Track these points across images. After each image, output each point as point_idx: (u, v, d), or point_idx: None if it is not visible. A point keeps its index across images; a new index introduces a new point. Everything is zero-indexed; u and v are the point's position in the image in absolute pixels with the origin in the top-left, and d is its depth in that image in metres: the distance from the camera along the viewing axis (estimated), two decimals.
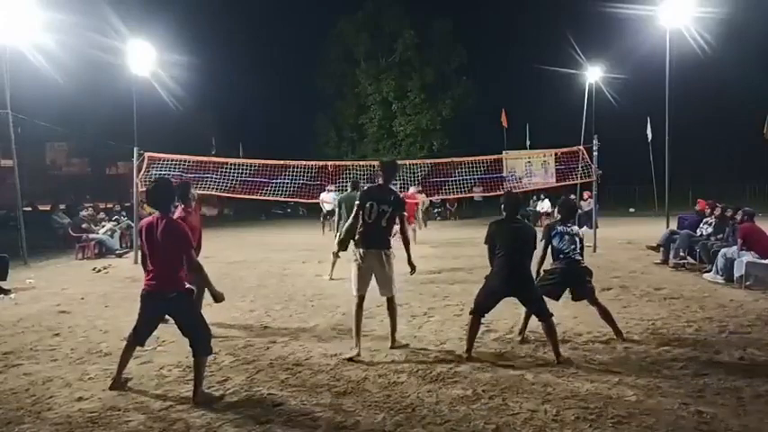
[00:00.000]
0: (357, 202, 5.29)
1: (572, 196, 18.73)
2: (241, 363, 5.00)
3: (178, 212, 5.77)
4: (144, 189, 4.15)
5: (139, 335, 4.37)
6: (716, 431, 3.59)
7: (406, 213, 5.51)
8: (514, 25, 38.36)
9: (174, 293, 4.17)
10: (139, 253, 4.45)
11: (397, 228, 5.38)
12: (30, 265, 11.11)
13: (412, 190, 16.04)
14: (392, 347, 5.30)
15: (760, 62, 30.14)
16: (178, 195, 5.93)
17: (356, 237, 5.24)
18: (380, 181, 5.39)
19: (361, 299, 5.21)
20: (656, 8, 13.90)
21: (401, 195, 5.61)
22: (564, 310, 6.72)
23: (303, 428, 3.71)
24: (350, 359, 4.97)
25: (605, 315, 5.65)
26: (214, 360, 5.06)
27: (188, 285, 4.32)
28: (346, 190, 10.43)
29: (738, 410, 3.86)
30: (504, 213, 5.21)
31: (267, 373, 4.74)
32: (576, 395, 4.14)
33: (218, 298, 4.43)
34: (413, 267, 5.36)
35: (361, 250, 5.18)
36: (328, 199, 17.07)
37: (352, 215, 5.33)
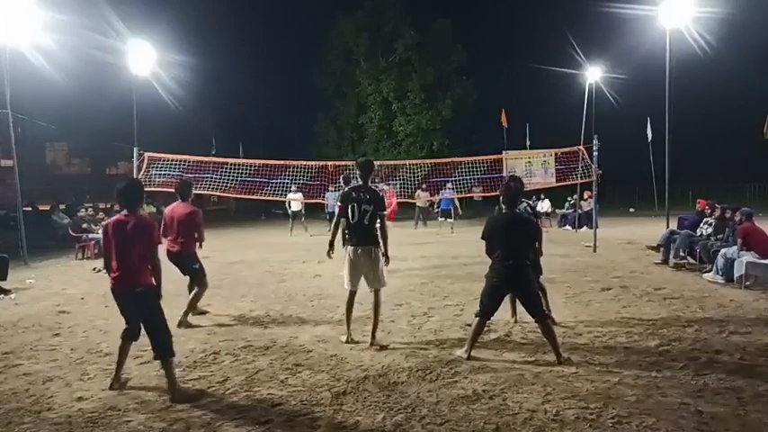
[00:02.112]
0: (339, 204, 5.55)
1: (574, 196, 18.86)
2: (241, 363, 5.00)
3: (185, 207, 6.33)
4: (117, 187, 4.29)
5: (129, 329, 4.41)
6: (716, 431, 3.59)
7: (387, 212, 5.71)
8: (514, 25, 38.41)
9: (141, 289, 4.25)
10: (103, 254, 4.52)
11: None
12: (30, 265, 11.11)
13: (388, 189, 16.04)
14: (371, 345, 5.37)
15: (760, 62, 30.15)
16: (180, 194, 6.42)
17: (344, 236, 5.54)
18: (360, 181, 5.60)
19: (352, 294, 5.55)
20: (656, 8, 13.89)
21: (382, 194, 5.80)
22: (564, 310, 6.73)
23: (303, 428, 3.71)
24: (343, 342, 5.49)
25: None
26: (214, 360, 5.07)
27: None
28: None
29: (738, 410, 3.86)
30: (504, 206, 5.20)
31: (267, 373, 4.74)
32: (576, 395, 4.14)
33: (159, 297, 4.48)
34: (387, 259, 5.57)
35: (351, 248, 5.46)
36: (297, 198, 17.10)
37: (335, 217, 5.62)
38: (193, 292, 6.43)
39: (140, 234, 4.24)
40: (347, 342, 5.48)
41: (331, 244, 5.68)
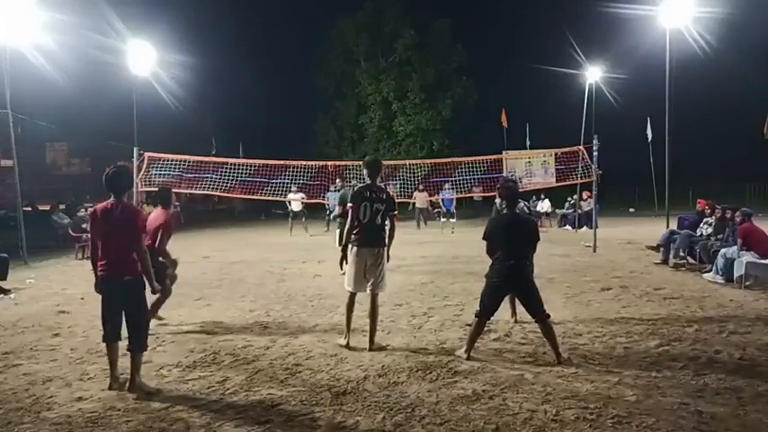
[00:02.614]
0: (350, 204, 5.38)
1: (574, 196, 18.86)
2: (241, 363, 5.00)
3: (163, 215, 6.00)
4: (106, 174, 4.38)
5: (111, 329, 4.37)
6: (716, 431, 3.59)
7: (396, 212, 5.59)
8: (514, 25, 38.44)
9: (130, 277, 4.30)
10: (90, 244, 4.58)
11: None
12: (30, 265, 11.11)
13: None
14: (370, 350, 5.28)
15: (760, 62, 30.17)
16: (160, 201, 6.22)
17: (352, 236, 5.36)
18: (367, 180, 5.45)
19: (353, 295, 5.41)
20: (656, 8, 13.91)
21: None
22: (564, 310, 6.73)
23: (303, 428, 3.71)
24: (342, 346, 5.35)
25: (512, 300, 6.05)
26: (214, 360, 5.07)
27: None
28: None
29: (738, 410, 3.86)
30: (503, 207, 5.19)
31: (267, 373, 4.73)
32: (575, 395, 4.14)
33: (154, 290, 4.57)
34: (388, 257, 5.48)
35: (357, 248, 5.32)
36: (297, 198, 17.19)
37: (349, 217, 5.40)
38: (156, 297, 6.03)
39: (127, 222, 4.28)
40: (347, 347, 5.32)
41: (344, 250, 5.46)
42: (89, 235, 13.42)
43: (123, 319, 4.37)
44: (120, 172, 4.47)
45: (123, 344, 4.42)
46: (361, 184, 5.62)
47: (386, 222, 5.37)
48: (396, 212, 5.55)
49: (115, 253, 4.28)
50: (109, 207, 4.31)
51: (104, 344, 4.45)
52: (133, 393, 4.20)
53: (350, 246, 5.40)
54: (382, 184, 5.71)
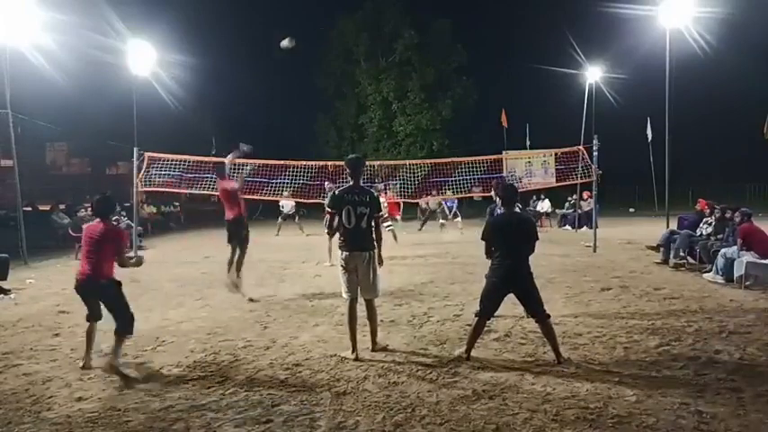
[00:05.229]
0: (330, 209, 5.19)
1: (574, 196, 18.85)
2: (241, 363, 5.00)
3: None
4: (93, 200, 5.12)
5: (90, 310, 4.97)
6: (716, 431, 3.59)
7: (383, 213, 5.47)
8: (514, 25, 38.36)
9: (106, 281, 4.84)
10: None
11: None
12: (30, 265, 11.11)
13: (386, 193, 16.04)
14: (373, 350, 5.24)
15: (760, 62, 30.14)
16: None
17: (339, 241, 5.22)
18: (350, 180, 5.25)
19: (352, 301, 5.21)
20: (656, 8, 13.91)
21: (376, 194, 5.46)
22: (564, 310, 6.73)
23: (303, 428, 3.71)
24: (349, 359, 5.04)
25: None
26: (214, 360, 5.07)
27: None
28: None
29: (738, 410, 3.86)
30: (501, 206, 5.17)
31: (267, 373, 4.74)
32: (575, 395, 4.14)
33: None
34: (381, 260, 5.33)
35: (346, 254, 5.16)
36: (288, 202, 17.28)
37: (333, 227, 5.22)
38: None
39: (108, 240, 4.86)
40: (355, 359, 5.00)
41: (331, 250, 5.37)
42: None
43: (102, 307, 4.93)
44: (103, 199, 5.08)
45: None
46: (342, 187, 5.34)
47: (371, 225, 5.16)
48: (381, 214, 5.36)
49: (95, 263, 4.80)
50: (96, 227, 4.90)
51: (87, 323, 4.98)
52: (106, 373, 4.55)
53: (339, 252, 5.22)
54: (381, 185, 5.66)
